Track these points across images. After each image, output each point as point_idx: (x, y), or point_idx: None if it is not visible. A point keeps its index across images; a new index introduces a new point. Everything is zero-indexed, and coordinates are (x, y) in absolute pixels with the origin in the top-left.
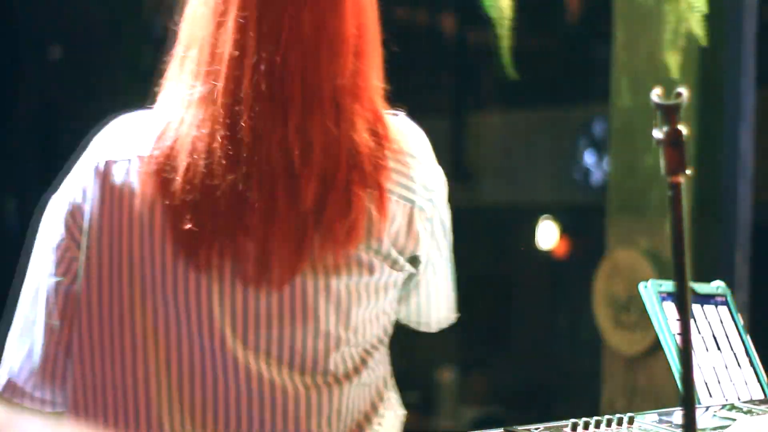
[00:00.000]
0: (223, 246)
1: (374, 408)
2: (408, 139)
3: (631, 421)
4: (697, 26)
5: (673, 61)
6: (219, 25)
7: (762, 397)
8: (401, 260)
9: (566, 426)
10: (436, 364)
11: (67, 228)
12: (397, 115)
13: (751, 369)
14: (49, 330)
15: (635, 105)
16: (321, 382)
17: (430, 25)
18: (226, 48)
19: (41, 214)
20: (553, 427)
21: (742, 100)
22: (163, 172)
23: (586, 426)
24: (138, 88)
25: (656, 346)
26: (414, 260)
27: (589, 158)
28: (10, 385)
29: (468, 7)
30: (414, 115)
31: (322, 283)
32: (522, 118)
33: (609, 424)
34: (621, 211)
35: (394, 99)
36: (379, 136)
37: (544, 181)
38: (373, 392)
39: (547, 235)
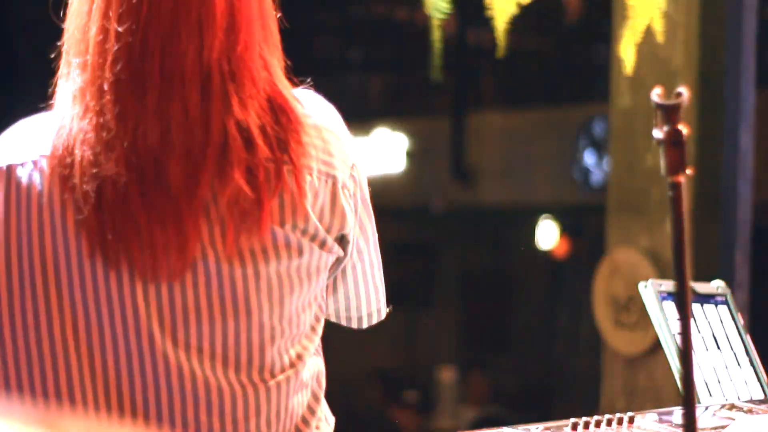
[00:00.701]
0: (126, 238)
1: (311, 411)
2: (321, 114)
3: (631, 420)
4: (656, 22)
5: (627, 56)
6: (88, 13)
7: (762, 396)
8: (329, 240)
9: (566, 426)
10: (436, 364)
11: None
12: (305, 90)
13: (751, 369)
14: None
15: (635, 105)
16: (257, 379)
17: (430, 26)
18: (92, 35)
19: None
20: (553, 426)
21: (742, 100)
22: (62, 168)
23: (586, 426)
24: None
25: (656, 346)
26: (342, 240)
27: (589, 158)
28: None
29: (468, 6)
30: (414, 115)
31: (250, 270)
32: (522, 118)
33: (609, 423)
34: (621, 211)
35: (395, 99)
36: (282, 111)
37: (544, 181)
38: (309, 394)
39: (547, 235)
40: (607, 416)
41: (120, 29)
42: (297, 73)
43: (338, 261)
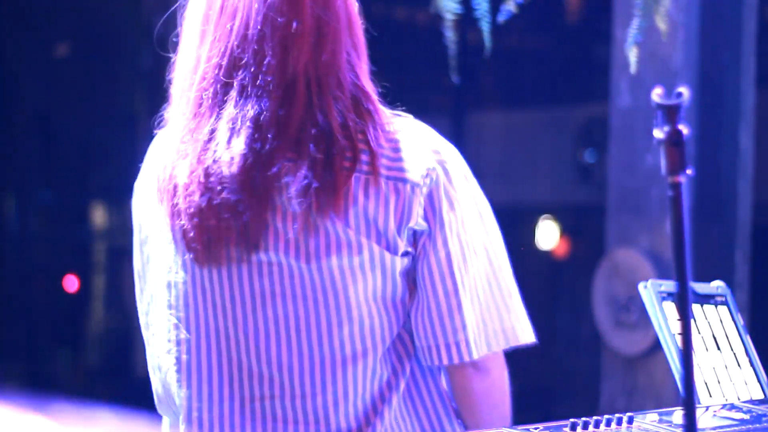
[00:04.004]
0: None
1: (384, 399)
2: (405, 120)
3: (631, 421)
4: (661, 20)
5: (633, 56)
6: (189, 44)
7: (762, 397)
8: (397, 241)
9: (566, 426)
10: None
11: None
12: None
13: (751, 369)
14: None
15: (635, 105)
16: (327, 359)
17: (430, 26)
18: (189, 62)
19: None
20: (553, 427)
21: (742, 100)
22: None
23: (586, 426)
24: (138, 88)
25: (656, 346)
26: (414, 238)
27: (589, 158)
28: None
29: (468, 6)
30: (414, 115)
31: (314, 264)
32: (522, 118)
33: (609, 424)
34: (621, 211)
35: (394, 99)
36: (366, 111)
37: (544, 181)
38: (385, 385)
39: (547, 235)
40: (606, 416)
41: (210, 53)
42: None
43: (412, 264)
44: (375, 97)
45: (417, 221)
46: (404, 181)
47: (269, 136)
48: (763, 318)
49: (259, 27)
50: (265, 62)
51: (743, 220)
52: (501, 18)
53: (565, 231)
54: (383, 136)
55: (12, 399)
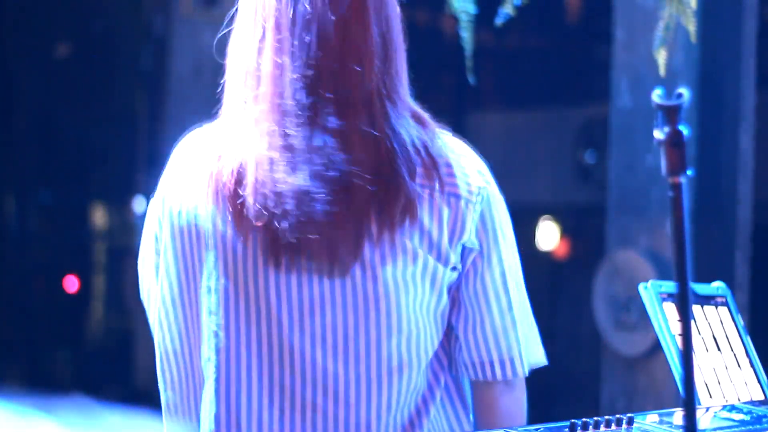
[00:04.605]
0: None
1: (424, 412)
2: (451, 137)
3: (630, 421)
4: (689, 22)
5: (662, 59)
6: (259, 51)
7: (762, 398)
8: (449, 253)
9: (566, 426)
10: None
11: None
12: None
13: (752, 370)
14: None
15: (635, 105)
16: (374, 370)
17: (430, 26)
18: (266, 69)
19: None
20: (553, 427)
21: (742, 100)
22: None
23: (586, 426)
24: (138, 89)
25: (656, 347)
26: (463, 254)
27: (589, 158)
28: None
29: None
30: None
31: (369, 272)
32: (522, 118)
33: (609, 424)
34: (621, 211)
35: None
36: (424, 125)
37: (544, 181)
38: (427, 395)
39: (547, 235)
40: (606, 417)
41: (294, 63)
42: None
43: (457, 280)
44: (425, 113)
45: (469, 238)
46: (457, 196)
47: (376, 151)
48: (764, 318)
49: (336, 41)
50: (349, 77)
51: (743, 221)
52: (498, 21)
53: (566, 231)
54: (438, 151)
55: (12, 399)
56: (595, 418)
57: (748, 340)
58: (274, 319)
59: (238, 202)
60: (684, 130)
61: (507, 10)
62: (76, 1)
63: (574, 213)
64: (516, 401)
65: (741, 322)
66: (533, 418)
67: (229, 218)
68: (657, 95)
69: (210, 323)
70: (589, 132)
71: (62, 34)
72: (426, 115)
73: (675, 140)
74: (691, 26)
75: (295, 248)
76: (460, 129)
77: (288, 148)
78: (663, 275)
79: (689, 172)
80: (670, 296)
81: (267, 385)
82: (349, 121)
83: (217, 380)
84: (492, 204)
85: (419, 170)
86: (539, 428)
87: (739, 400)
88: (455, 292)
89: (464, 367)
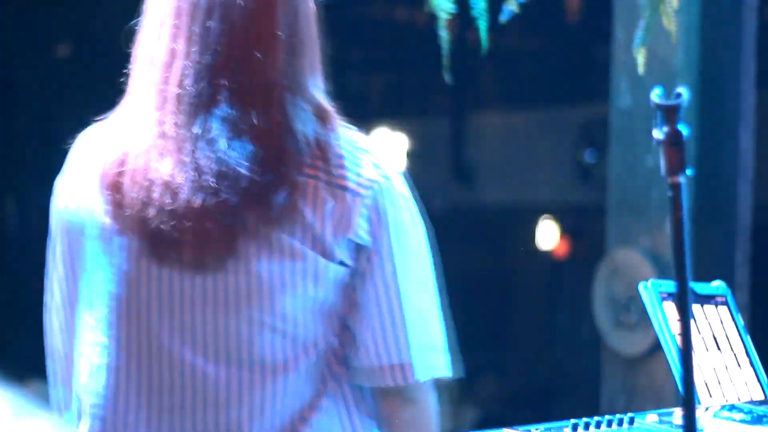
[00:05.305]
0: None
1: (304, 419)
2: (356, 134)
3: (631, 421)
4: (669, 21)
5: (641, 57)
6: (158, 37)
7: (762, 397)
8: (334, 250)
9: (566, 426)
10: None
11: None
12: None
13: (751, 369)
14: None
15: (635, 105)
16: (245, 370)
17: (430, 26)
18: (160, 56)
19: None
20: (553, 427)
21: (742, 100)
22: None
23: (586, 426)
24: None
25: (656, 347)
26: (354, 250)
27: (589, 158)
28: None
29: (465, 6)
30: (414, 115)
31: (242, 266)
32: (522, 118)
33: (609, 424)
34: (621, 211)
35: (395, 99)
36: (327, 119)
37: (544, 181)
38: (311, 399)
39: (547, 235)
40: (607, 417)
41: (189, 50)
42: None
43: (351, 279)
44: (331, 107)
45: (358, 233)
46: (344, 188)
47: (265, 142)
48: (763, 318)
49: (241, 28)
50: (250, 66)
51: (743, 221)
52: (503, 18)
53: (565, 231)
54: (331, 145)
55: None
56: (596, 418)
57: (748, 339)
58: (145, 315)
59: (118, 192)
60: (683, 129)
61: (511, 6)
62: (76, 1)
63: (574, 213)
64: (419, 417)
65: (741, 322)
66: (533, 418)
67: (110, 208)
68: (656, 95)
69: (88, 319)
70: (589, 132)
71: (62, 34)
72: (331, 111)
73: (674, 140)
74: (672, 26)
75: (168, 240)
76: (460, 129)
77: (162, 135)
78: (663, 275)
79: (689, 172)
80: (670, 295)
81: (139, 385)
82: (241, 109)
83: (95, 379)
84: (388, 199)
85: (307, 161)
86: (539, 428)
87: (739, 399)
88: (353, 294)
89: (359, 373)
